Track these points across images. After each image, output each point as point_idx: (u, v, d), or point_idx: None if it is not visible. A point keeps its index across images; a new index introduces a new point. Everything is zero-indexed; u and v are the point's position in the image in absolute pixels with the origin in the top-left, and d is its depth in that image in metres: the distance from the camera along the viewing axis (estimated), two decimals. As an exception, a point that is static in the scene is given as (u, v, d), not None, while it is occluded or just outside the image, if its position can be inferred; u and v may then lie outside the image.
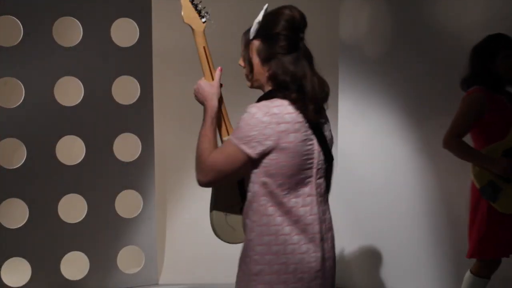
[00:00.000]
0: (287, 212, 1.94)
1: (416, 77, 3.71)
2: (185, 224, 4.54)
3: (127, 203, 4.16)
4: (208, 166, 1.93)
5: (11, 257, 3.88)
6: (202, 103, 2.05)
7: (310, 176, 1.97)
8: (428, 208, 3.71)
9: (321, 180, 2.01)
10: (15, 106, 3.80)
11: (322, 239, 1.99)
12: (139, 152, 4.12)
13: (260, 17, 1.97)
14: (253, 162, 1.91)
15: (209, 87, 2.05)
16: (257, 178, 1.93)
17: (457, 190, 3.55)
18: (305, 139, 1.93)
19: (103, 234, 4.09)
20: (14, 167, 3.85)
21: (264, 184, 1.93)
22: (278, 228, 1.94)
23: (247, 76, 2.04)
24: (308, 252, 1.96)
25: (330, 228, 2.05)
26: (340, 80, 4.14)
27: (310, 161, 1.96)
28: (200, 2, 2.06)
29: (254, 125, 1.88)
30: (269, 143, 1.89)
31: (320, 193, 2.00)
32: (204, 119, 2.01)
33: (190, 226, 4.49)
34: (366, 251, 4.02)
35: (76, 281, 4.04)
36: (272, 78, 1.96)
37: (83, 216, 4.02)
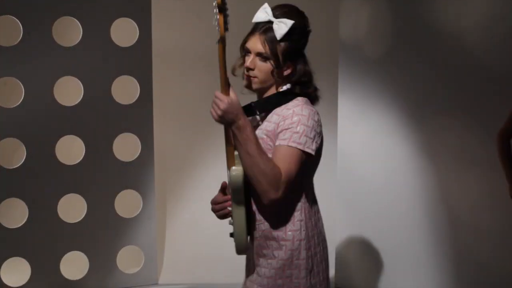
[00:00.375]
0: (312, 205, 2.05)
1: (416, 77, 3.71)
2: (185, 224, 4.54)
3: (127, 203, 4.16)
4: (286, 181, 1.86)
5: (11, 257, 3.88)
6: (231, 123, 1.88)
7: None
8: (428, 208, 3.70)
9: None
10: (15, 106, 3.80)
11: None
12: (139, 152, 4.12)
13: (269, 16, 1.93)
14: (306, 163, 1.94)
15: (237, 105, 1.88)
16: (298, 179, 1.94)
17: (457, 190, 3.55)
18: None
19: (103, 234, 4.09)
20: (14, 167, 3.85)
21: (302, 184, 1.99)
22: (317, 222, 2.05)
23: (258, 78, 1.98)
24: (325, 238, 2.12)
25: None
26: (340, 80, 4.13)
27: None
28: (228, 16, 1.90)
29: (312, 126, 1.91)
30: (320, 140, 1.96)
31: None
32: (244, 138, 1.86)
33: (190, 226, 4.50)
34: (366, 251, 4.02)
35: (76, 281, 4.04)
36: (295, 77, 1.98)
37: (83, 216, 4.02)
